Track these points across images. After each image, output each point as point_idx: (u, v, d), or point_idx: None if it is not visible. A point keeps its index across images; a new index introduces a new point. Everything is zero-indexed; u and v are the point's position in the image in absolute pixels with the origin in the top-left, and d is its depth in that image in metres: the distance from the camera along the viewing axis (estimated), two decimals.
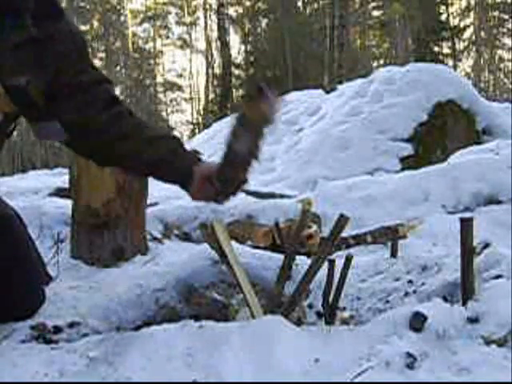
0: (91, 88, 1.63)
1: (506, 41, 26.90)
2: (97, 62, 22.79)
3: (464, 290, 1.45)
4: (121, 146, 1.61)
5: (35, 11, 1.48)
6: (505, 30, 26.83)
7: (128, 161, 1.67)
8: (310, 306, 1.80)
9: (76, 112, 1.60)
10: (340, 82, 10.81)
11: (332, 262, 1.54)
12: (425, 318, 1.29)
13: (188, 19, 30.40)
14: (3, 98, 1.44)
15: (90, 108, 1.61)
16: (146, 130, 1.64)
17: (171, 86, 31.37)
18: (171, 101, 31.52)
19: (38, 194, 3.77)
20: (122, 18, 29.94)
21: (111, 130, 1.61)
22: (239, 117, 1.48)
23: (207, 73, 27.21)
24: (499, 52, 27.84)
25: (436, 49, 25.28)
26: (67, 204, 2.64)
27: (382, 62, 26.44)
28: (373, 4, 26.13)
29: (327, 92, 8.38)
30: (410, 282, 1.87)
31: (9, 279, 1.63)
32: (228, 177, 1.52)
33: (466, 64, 27.92)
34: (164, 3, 30.76)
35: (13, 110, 1.50)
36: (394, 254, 2.19)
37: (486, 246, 1.82)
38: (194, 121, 29.34)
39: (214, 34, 27.00)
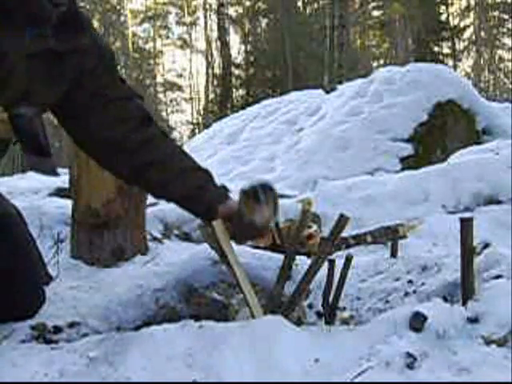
0: (121, 103, 1.62)
1: (506, 41, 26.92)
2: None
3: (464, 290, 1.45)
4: (150, 173, 1.61)
5: (57, 23, 1.46)
6: (505, 30, 26.84)
7: (154, 188, 1.68)
8: (310, 306, 1.80)
9: (108, 128, 1.59)
10: (340, 82, 10.81)
11: (332, 262, 1.54)
12: (425, 318, 1.29)
13: (188, 19, 30.41)
14: (4, 125, 1.41)
15: (122, 125, 1.60)
16: (177, 160, 1.63)
17: (171, 86, 31.38)
18: (171, 101, 31.57)
19: (38, 194, 3.77)
20: (122, 18, 29.95)
21: (143, 153, 1.60)
22: (240, 207, 1.55)
23: (207, 73, 27.21)
24: (499, 52, 27.87)
25: (436, 49, 25.29)
26: (67, 204, 2.64)
27: (382, 61, 26.46)
28: (373, 4, 26.14)
29: (327, 92, 8.38)
30: (410, 281, 1.87)
31: (9, 279, 1.63)
32: (240, 231, 1.59)
33: (466, 64, 27.96)
34: (164, 3, 30.77)
35: (10, 137, 1.47)
36: (394, 254, 2.19)
37: (486, 246, 1.82)
38: (194, 121, 29.37)
39: (214, 34, 27.03)
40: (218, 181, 1.67)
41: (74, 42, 1.51)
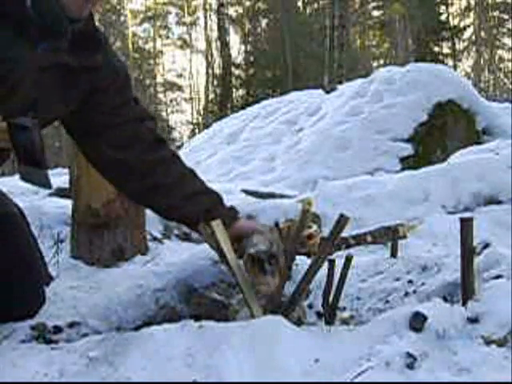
0: (133, 125, 1.62)
1: (506, 41, 26.95)
2: None
3: (464, 290, 1.45)
4: (159, 197, 1.63)
5: (73, 38, 1.46)
6: (505, 30, 26.86)
7: (164, 211, 1.71)
8: (310, 306, 1.80)
9: (118, 149, 1.60)
10: (340, 82, 10.81)
11: (332, 262, 1.54)
12: (425, 318, 1.29)
13: (188, 19, 30.42)
14: (3, 134, 1.40)
15: (133, 147, 1.61)
16: (186, 183, 1.65)
17: (171, 86, 31.40)
18: (171, 101, 31.58)
19: (38, 193, 3.77)
20: (122, 18, 29.94)
21: (152, 176, 1.61)
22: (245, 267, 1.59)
23: (207, 73, 27.22)
24: (499, 52, 27.89)
25: (436, 49, 25.30)
26: (67, 204, 2.64)
27: (382, 61, 26.46)
28: (373, 4, 26.17)
29: (327, 92, 8.38)
30: (410, 281, 1.87)
31: (9, 279, 1.63)
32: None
33: (466, 64, 27.98)
34: (164, 3, 30.78)
35: (8, 147, 1.47)
36: (394, 254, 2.19)
37: (486, 246, 1.82)
38: (194, 121, 29.40)
39: (214, 34, 27.04)
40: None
41: (88, 59, 1.52)
